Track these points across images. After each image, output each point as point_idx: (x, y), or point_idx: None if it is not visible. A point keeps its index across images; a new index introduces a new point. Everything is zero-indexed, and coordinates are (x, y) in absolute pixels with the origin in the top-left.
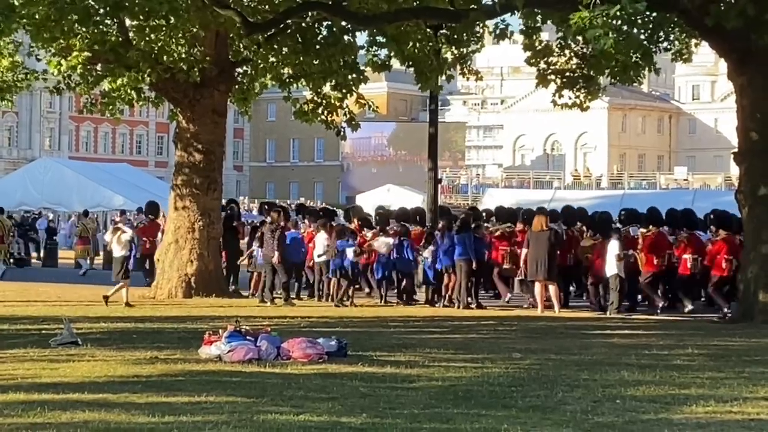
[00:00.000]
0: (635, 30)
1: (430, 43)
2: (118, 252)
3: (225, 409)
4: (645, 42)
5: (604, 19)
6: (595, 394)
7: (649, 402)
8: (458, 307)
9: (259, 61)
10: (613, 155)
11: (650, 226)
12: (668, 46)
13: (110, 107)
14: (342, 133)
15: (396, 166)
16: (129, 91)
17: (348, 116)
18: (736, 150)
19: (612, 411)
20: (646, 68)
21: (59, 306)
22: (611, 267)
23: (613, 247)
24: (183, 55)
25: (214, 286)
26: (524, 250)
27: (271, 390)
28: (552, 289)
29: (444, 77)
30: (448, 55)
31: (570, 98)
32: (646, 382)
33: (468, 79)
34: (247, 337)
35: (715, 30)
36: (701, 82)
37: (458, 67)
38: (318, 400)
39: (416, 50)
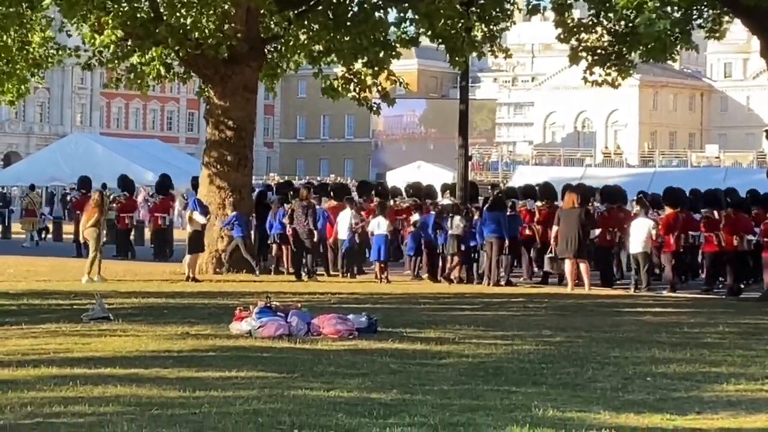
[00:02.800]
0: (669, 8)
1: (461, 21)
2: (189, 227)
3: (256, 385)
4: (681, 20)
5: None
6: (625, 371)
7: (679, 380)
8: (488, 284)
9: (290, 38)
10: (644, 133)
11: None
12: (702, 24)
13: (139, 81)
14: (375, 109)
15: (426, 144)
16: (158, 66)
17: (381, 92)
18: (767, 128)
19: (642, 389)
20: (688, 48)
21: (90, 281)
22: (637, 245)
23: (643, 224)
24: (213, 31)
25: (244, 262)
26: (554, 228)
27: (302, 366)
28: (582, 266)
29: (475, 54)
30: (479, 33)
31: (600, 75)
32: (676, 360)
33: (497, 56)
34: (278, 313)
35: (748, 8)
36: (733, 60)
37: (488, 44)
38: (348, 376)
39: (447, 27)
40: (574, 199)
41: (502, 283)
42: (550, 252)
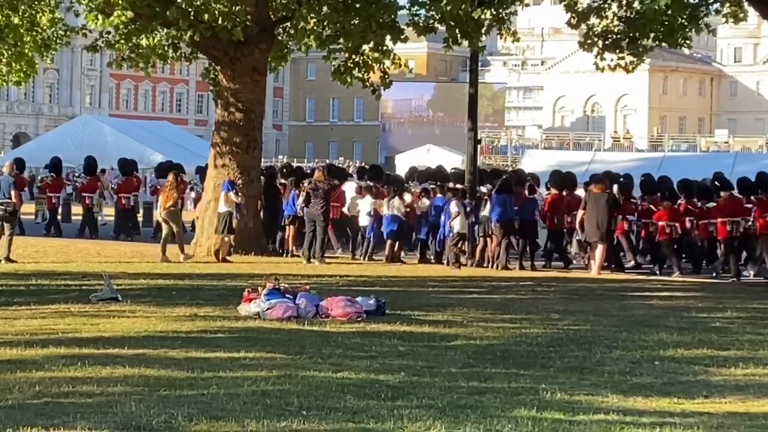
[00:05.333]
0: None
1: (470, 4)
2: (222, 208)
3: (264, 366)
4: (693, 3)
5: None
6: (633, 355)
7: (687, 364)
8: (496, 268)
9: (300, 20)
10: (654, 117)
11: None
12: (718, 8)
13: (145, 61)
14: (377, 92)
15: (433, 128)
16: (166, 48)
17: (383, 76)
18: None
19: (650, 372)
20: (693, 31)
21: (99, 263)
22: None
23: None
24: (224, 13)
25: (253, 244)
26: (580, 212)
27: (310, 348)
28: (600, 248)
29: (482, 40)
30: (488, 16)
31: (612, 60)
32: (685, 344)
33: (505, 40)
34: (286, 295)
35: None
36: (743, 45)
37: (497, 27)
38: (356, 358)
39: (456, 11)
40: (603, 185)
41: (510, 267)
42: (577, 236)
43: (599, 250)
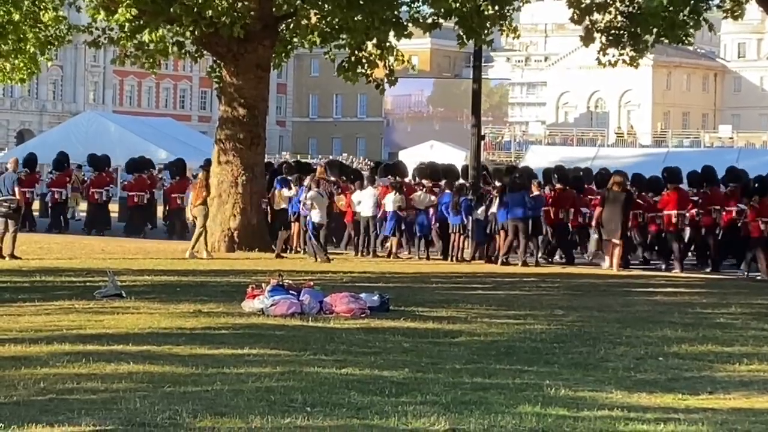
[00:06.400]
0: None
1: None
2: (279, 206)
3: (268, 362)
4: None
5: None
6: (637, 351)
7: (692, 360)
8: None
9: (303, 17)
10: (657, 113)
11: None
12: (719, 3)
13: (150, 59)
14: (381, 87)
15: (432, 123)
16: (169, 44)
17: (388, 73)
18: None
19: (655, 368)
20: (694, 27)
21: (103, 259)
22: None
23: None
24: (227, 9)
25: (256, 240)
26: (598, 209)
27: (314, 344)
28: (619, 245)
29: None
30: (490, 11)
31: (614, 56)
32: (689, 340)
33: (507, 36)
34: (290, 291)
35: None
36: (747, 40)
37: (499, 24)
38: (360, 354)
39: (460, 6)
40: (620, 182)
41: (531, 263)
42: (595, 233)
43: (618, 248)
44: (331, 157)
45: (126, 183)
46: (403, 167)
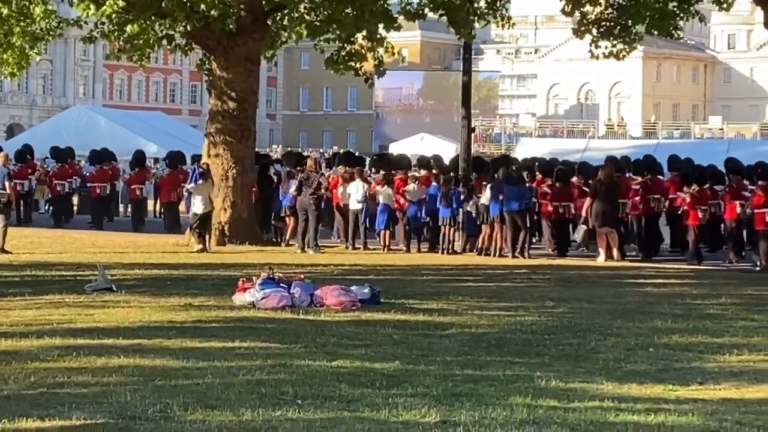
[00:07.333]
0: None
1: None
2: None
3: (259, 355)
4: None
5: None
6: (628, 342)
7: (682, 350)
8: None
9: (292, 10)
10: (647, 105)
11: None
12: None
13: (138, 52)
14: (370, 81)
15: (422, 116)
16: (152, 37)
17: (376, 64)
18: None
19: (645, 359)
20: (684, 19)
21: (93, 253)
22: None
23: None
24: (218, 3)
25: (247, 233)
26: (588, 200)
27: (305, 337)
28: (614, 235)
29: (477, 26)
30: (482, 3)
31: (607, 47)
32: (679, 331)
33: (501, 27)
34: (281, 285)
35: None
36: (737, 31)
37: (491, 15)
38: (351, 347)
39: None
40: (611, 173)
41: (526, 255)
42: (583, 223)
43: (613, 238)
44: (321, 150)
45: (88, 174)
46: (396, 159)
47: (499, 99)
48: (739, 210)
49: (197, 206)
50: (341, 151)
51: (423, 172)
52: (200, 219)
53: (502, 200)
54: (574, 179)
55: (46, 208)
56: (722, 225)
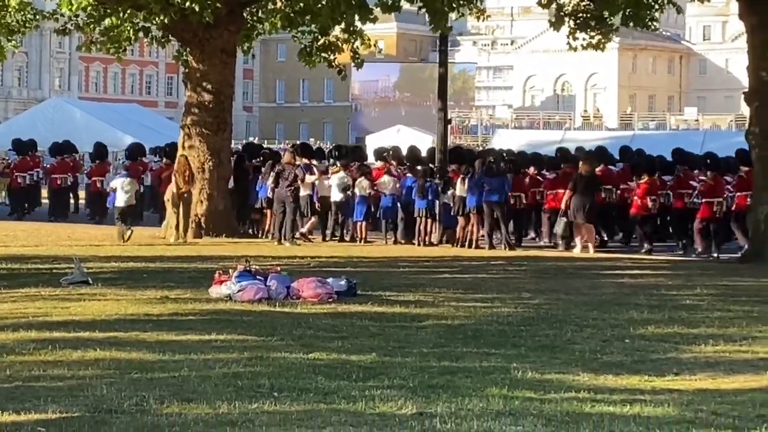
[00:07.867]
0: None
1: None
2: (303, 191)
3: (235, 348)
4: None
5: None
6: (604, 333)
7: (658, 341)
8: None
9: (268, 1)
10: (623, 96)
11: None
12: None
13: (115, 44)
14: (343, 73)
15: (399, 108)
16: (127, 29)
17: (353, 55)
18: (746, 90)
19: (621, 350)
20: (659, 10)
21: (69, 246)
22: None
23: None
24: None
25: (224, 226)
26: (568, 192)
27: (281, 329)
28: (590, 227)
29: (454, 17)
30: None
31: (585, 39)
32: (655, 322)
33: (478, 18)
34: (257, 277)
35: None
36: (712, 23)
37: (466, 7)
38: (327, 339)
39: None
40: (591, 165)
41: (513, 247)
42: (563, 215)
43: (589, 230)
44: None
45: (49, 166)
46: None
47: (476, 90)
48: (716, 209)
49: (119, 200)
50: (319, 143)
51: (379, 164)
52: (121, 212)
53: (483, 192)
54: (531, 170)
55: (5, 199)
56: (668, 216)
